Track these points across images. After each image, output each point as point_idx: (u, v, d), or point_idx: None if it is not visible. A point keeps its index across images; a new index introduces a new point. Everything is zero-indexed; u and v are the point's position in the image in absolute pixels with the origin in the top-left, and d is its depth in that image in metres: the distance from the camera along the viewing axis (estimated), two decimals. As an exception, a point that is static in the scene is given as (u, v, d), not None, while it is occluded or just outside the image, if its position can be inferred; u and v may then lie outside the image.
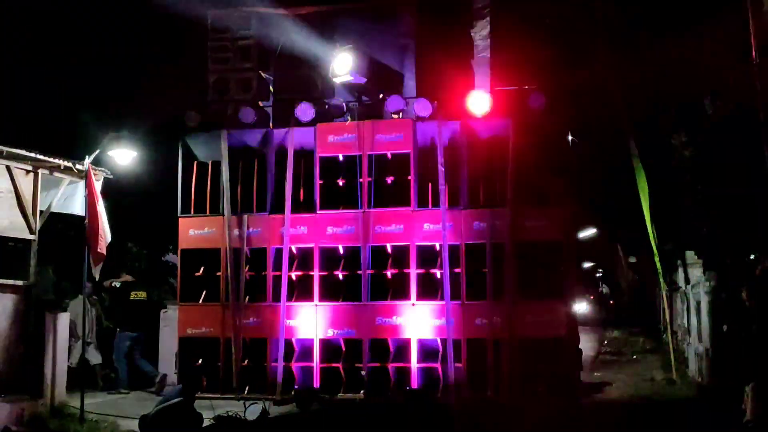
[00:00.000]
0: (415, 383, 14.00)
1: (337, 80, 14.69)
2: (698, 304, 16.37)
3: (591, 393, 15.17)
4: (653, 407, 14.22)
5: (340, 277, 14.61)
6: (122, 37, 18.07)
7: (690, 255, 17.28)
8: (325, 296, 14.53)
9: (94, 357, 16.26)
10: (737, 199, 14.17)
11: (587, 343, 21.98)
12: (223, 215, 14.92)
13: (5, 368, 12.46)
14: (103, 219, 13.14)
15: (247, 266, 14.90)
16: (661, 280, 17.38)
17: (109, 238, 13.32)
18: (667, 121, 15.50)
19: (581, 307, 25.13)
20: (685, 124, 14.28)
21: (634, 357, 21.61)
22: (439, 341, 14.13)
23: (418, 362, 14.09)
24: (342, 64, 14.40)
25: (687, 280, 18.01)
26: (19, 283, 12.94)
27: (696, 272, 16.77)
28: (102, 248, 12.94)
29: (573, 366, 14.04)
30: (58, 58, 17.80)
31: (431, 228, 14.31)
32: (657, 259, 16.66)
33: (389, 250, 14.53)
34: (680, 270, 19.10)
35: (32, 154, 12.62)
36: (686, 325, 18.74)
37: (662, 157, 16.11)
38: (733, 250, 14.54)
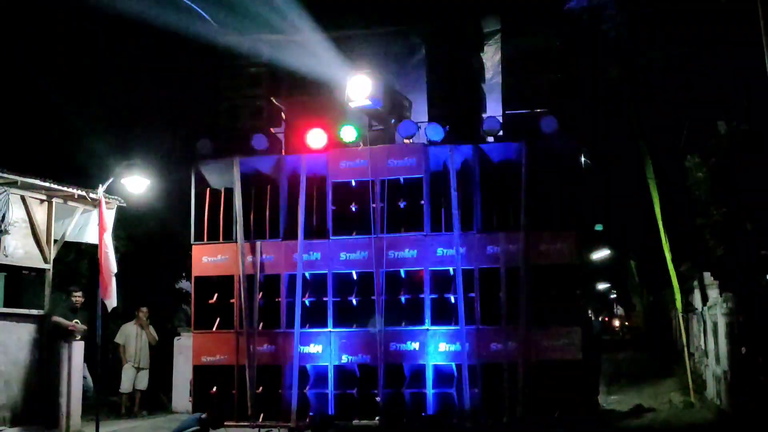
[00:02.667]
0: (430, 409, 13.88)
1: (353, 105, 14.67)
2: (715, 325, 16.26)
3: (608, 417, 15.05)
4: (672, 431, 14.11)
5: (354, 302, 14.53)
6: (135, 65, 18.15)
7: (706, 276, 17.17)
8: (338, 322, 14.46)
9: (142, 383, 16.31)
10: (753, 219, 14.05)
11: (603, 366, 21.84)
12: (236, 242, 14.89)
13: (21, 398, 12.47)
14: (109, 252, 13.15)
15: (261, 293, 14.85)
16: (678, 301, 17.28)
17: (114, 270, 13.35)
18: (680, 142, 15.44)
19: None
20: (699, 145, 14.22)
21: (651, 379, 21.46)
22: (454, 366, 14.01)
23: (434, 388, 13.97)
24: (358, 89, 14.39)
25: (704, 302, 17.89)
26: (34, 312, 12.98)
27: (712, 293, 16.66)
28: (109, 284, 12.94)
29: (590, 390, 13.92)
30: (71, 86, 17.91)
31: (445, 253, 14.23)
32: (674, 281, 16.57)
33: (403, 275, 14.46)
34: (696, 291, 18.99)
35: (46, 184, 12.69)
36: (703, 347, 18.60)
37: (676, 179, 16.04)
38: (749, 272, 14.42)
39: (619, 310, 60.53)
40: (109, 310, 13.46)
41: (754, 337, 13.62)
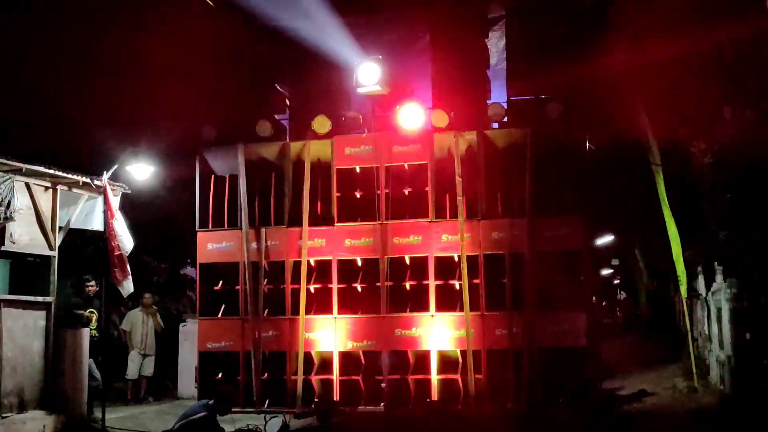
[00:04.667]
0: (435, 395, 13.94)
1: (362, 91, 14.65)
2: (719, 311, 16.24)
3: (612, 402, 15.07)
4: (676, 416, 14.11)
5: (359, 289, 14.57)
6: (140, 52, 18.09)
7: (711, 261, 17.14)
8: (343, 309, 14.50)
9: (148, 369, 16.34)
10: (758, 206, 14.05)
11: (607, 351, 21.85)
12: (241, 229, 14.92)
13: (27, 384, 12.50)
14: (119, 236, 13.17)
15: (266, 279, 14.88)
16: (683, 286, 17.25)
17: (128, 248, 13.37)
18: (686, 129, 15.41)
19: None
20: (705, 131, 14.21)
21: (655, 364, 21.46)
22: (458, 352, 14.07)
23: (438, 374, 14.03)
24: (368, 75, 14.36)
25: (708, 287, 17.87)
26: (40, 299, 12.98)
27: (717, 278, 16.64)
28: (119, 270, 12.97)
29: (594, 376, 13.95)
30: (76, 74, 17.88)
31: (449, 239, 14.26)
32: (680, 266, 16.53)
33: (408, 261, 14.49)
34: (700, 277, 18.97)
35: (51, 171, 12.66)
36: (707, 333, 18.59)
37: (682, 164, 16.01)
38: (754, 257, 14.43)
39: (623, 295, 60.51)
40: (125, 296, 13.53)
41: (758, 322, 13.63)
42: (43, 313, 12.92)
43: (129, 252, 13.40)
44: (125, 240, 13.31)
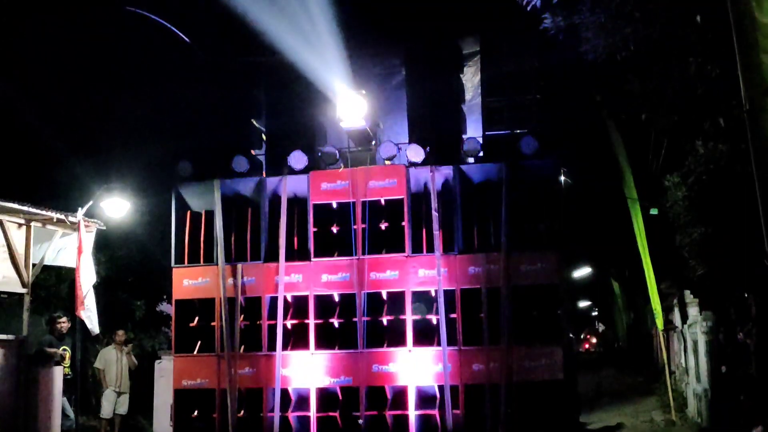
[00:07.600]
0: (413, 431, 13.85)
1: (344, 126, 14.69)
2: (695, 343, 16.32)
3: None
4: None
5: (336, 324, 14.50)
6: (115, 87, 18.09)
7: (687, 294, 17.25)
8: (320, 344, 14.41)
9: (122, 407, 16.13)
10: (732, 238, 14.14)
11: (585, 384, 21.87)
12: (217, 265, 14.84)
13: (-2, 425, 12.31)
14: (81, 272, 13.03)
15: (242, 315, 14.79)
16: (659, 319, 17.34)
17: (89, 283, 13.18)
18: (659, 162, 15.55)
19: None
20: (678, 165, 14.32)
21: (633, 397, 21.50)
22: (436, 388, 14.01)
23: (416, 409, 13.94)
24: (350, 109, 14.39)
25: (684, 320, 17.97)
26: (11, 337, 12.82)
27: (692, 311, 16.75)
28: (78, 303, 12.84)
29: (572, 409, 13.92)
30: (51, 108, 17.83)
31: (426, 274, 14.24)
32: (655, 299, 16.61)
33: (384, 296, 14.44)
34: (676, 309, 19.08)
35: (24, 207, 12.56)
36: (684, 365, 18.66)
37: (656, 198, 16.14)
38: (728, 290, 14.52)
39: (601, 327, 60.80)
40: (93, 334, 13.37)
41: (734, 356, 13.70)
42: (14, 351, 12.75)
43: (87, 288, 13.21)
44: (85, 277, 13.14)
